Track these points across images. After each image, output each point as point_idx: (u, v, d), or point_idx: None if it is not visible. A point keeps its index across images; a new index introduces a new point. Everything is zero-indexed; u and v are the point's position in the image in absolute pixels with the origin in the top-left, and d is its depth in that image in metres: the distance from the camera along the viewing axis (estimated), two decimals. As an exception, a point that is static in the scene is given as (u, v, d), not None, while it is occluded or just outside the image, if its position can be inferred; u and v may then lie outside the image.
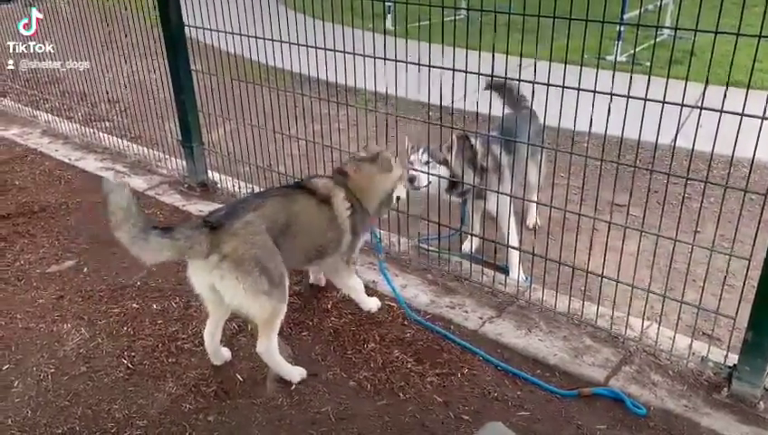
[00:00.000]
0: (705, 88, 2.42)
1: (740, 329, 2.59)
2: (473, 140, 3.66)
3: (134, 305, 3.26)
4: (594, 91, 2.62)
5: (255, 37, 3.79)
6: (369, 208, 3.08)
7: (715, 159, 2.63)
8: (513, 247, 3.69)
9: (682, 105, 2.45)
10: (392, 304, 3.28)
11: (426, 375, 2.79)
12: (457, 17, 6.17)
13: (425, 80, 3.14)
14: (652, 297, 2.90)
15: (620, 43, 7.68)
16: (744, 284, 2.53)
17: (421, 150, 3.62)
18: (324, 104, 3.81)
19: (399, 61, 3.23)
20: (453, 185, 3.68)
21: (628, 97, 2.55)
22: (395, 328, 3.09)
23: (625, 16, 8.10)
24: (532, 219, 4.31)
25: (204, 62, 4.35)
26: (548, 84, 2.76)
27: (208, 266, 2.51)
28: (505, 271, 3.62)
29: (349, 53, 3.33)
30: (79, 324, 3.19)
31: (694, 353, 2.81)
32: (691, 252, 2.66)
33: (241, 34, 3.84)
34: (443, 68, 3.04)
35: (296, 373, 2.77)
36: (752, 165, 2.59)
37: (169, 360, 2.91)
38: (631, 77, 2.49)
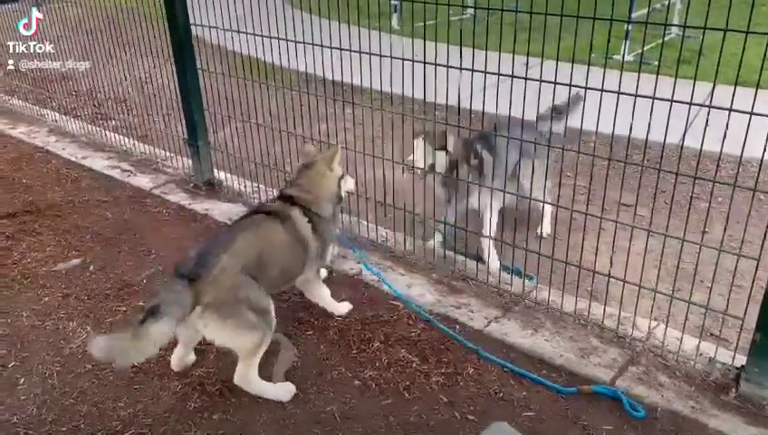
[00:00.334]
0: (713, 86, 2.40)
1: (748, 330, 2.57)
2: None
3: (140, 304, 3.26)
4: (602, 90, 2.60)
5: (261, 36, 3.79)
6: (326, 214, 3.02)
7: (724, 158, 2.62)
8: (485, 236, 3.81)
9: (690, 103, 2.44)
10: (397, 303, 3.27)
11: (431, 375, 2.78)
12: (464, 16, 6.16)
13: (431, 79, 3.13)
14: (659, 298, 2.88)
15: (628, 42, 7.64)
16: (752, 284, 2.51)
17: (423, 137, 3.73)
18: (330, 103, 3.81)
19: (405, 59, 3.22)
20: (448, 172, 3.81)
21: (636, 96, 2.54)
22: (400, 327, 3.09)
23: (632, 15, 8.06)
24: (545, 228, 4.32)
25: (210, 62, 4.35)
26: (555, 83, 2.74)
27: (192, 318, 2.45)
28: (506, 269, 3.60)
29: (354, 51, 3.32)
30: (85, 323, 3.19)
31: (701, 354, 2.79)
32: (699, 252, 2.64)
33: (247, 33, 3.84)
34: (449, 66, 3.04)
35: (284, 392, 2.69)
36: (761, 164, 2.59)
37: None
38: (639, 76, 2.48)
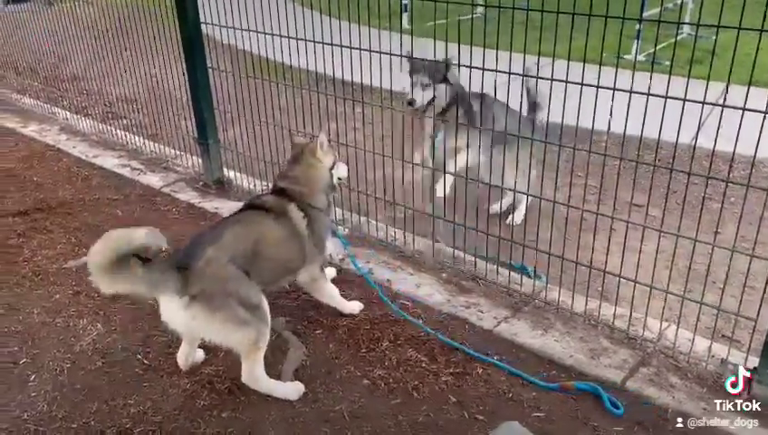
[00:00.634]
0: (727, 85, 2.38)
1: (761, 331, 2.55)
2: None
3: (149, 302, 3.26)
4: (614, 89, 2.59)
5: (272, 34, 3.80)
6: (321, 205, 2.99)
7: (736, 158, 2.59)
8: (450, 173, 3.80)
9: (704, 103, 2.42)
10: (407, 302, 3.27)
11: (440, 374, 2.78)
12: (474, 15, 6.15)
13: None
14: (670, 298, 2.86)
15: (639, 42, 7.60)
16: (765, 285, 2.49)
17: (422, 73, 3.76)
18: (340, 102, 3.81)
19: (417, 59, 3.22)
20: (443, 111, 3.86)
21: (649, 94, 2.52)
22: (409, 327, 3.08)
23: (644, 14, 8.01)
24: (517, 218, 4.41)
25: (220, 61, 4.36)
26: (566, 81, 2.73)
27: (180, 308, 2.45)
28: (517, 268, 3.58)
29: (365, 49, 3.32)
30: (95, 320, 3.21)
31: (713, 356, 2.77)
32: (711, 252, 2.62)
33: (257, 32, 3.85)
34: (460, 65, 3.03)
35: (293, 391, 2.69)
36: (774, 165, 2.55)
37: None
38: (651, 75, 2.46)
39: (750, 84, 2.24)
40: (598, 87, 2.64)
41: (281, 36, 3.76)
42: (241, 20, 3.94)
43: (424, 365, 2.83)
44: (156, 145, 5.42)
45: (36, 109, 6.61)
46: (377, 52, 3.34)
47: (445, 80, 3.74)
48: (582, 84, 2.67)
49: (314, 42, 3.62)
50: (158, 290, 2.46)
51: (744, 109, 2.30)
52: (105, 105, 6.68)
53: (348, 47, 3.41)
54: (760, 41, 2.26)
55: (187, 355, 2.82)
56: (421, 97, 3.89)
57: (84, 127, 6.00)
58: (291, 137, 3.22)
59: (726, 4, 2.29)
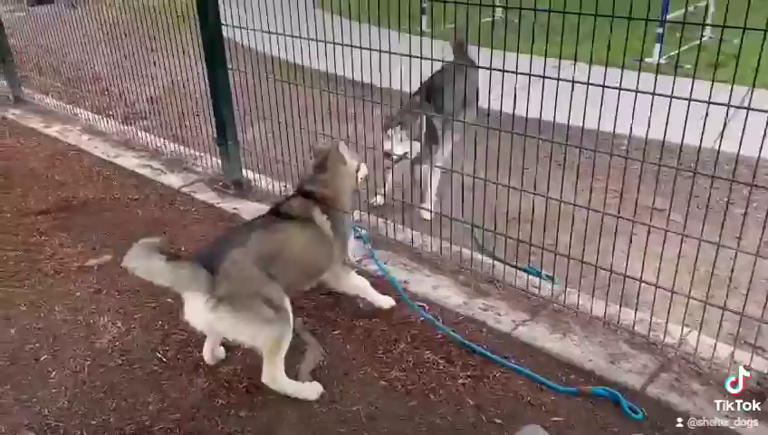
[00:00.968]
0: (752, 87, 2.34)
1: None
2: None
3: (168, 300, 3.29)
4: (636, 91, 2.56)
5: (291, 36, 3.82)
6: (345, 207, 3.05)
7: (761, 163, 2.55)
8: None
9: (728, 106, 2.39)
10: (423, 304, 3.25)
11: (457, 377, 2.76)
12: (495, 18, 6.12)
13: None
14: (692, 304, 2.82)
15: (661, 45, 7.53)
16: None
17: (399, 128, 4.09)
18: (359, 104, 3.81)
19: (435, 60, 3.21)
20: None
21: (672, 97, 2.49)
22: (426, 328, 3.07)
23: (666, 17, 7.93)
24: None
25: (239, 63, 4.38)
26: (588, 84, 2.71)
27: (206, 309, 2.48)
28: (532, 273, 3.55)
29: (384, 51, 3.32)
30: (115, 317, 3.24)
31: (735, 362, 2.73)
32: (735, 258, 2.58)
33: (277, 33, 3.86)
34: (479, 67, 3.01)
35: (311, 391, 2.69)
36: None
37: (202, 354, 2.93)
38: (675, 78, 2.43)
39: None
40: (620, 89, 2.61)
41: (300, 38, 3.77)
42: (261, 23, 3.96)
43: (441, 367, 2.82)
44: (176, 146, 5.46)
45: (59, 109, 6.69)
46: (396, 54, 3.34)
47: (419, 138, 4.08)
48: (604, 87, 2.64)
49: (334, 43, 3.64)
50: (187, 287, 2.49)
51: (768, 112, 2.27)
52: (126, 106, 6.75)
53: (367, 49, 3.41)
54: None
55: (212, 350, 2.86)
56: (401, 150, 4.17)
57: (106, 127, 6.06)
58: (311, 146, 3.28)
59: (750, 7, 2.26)
